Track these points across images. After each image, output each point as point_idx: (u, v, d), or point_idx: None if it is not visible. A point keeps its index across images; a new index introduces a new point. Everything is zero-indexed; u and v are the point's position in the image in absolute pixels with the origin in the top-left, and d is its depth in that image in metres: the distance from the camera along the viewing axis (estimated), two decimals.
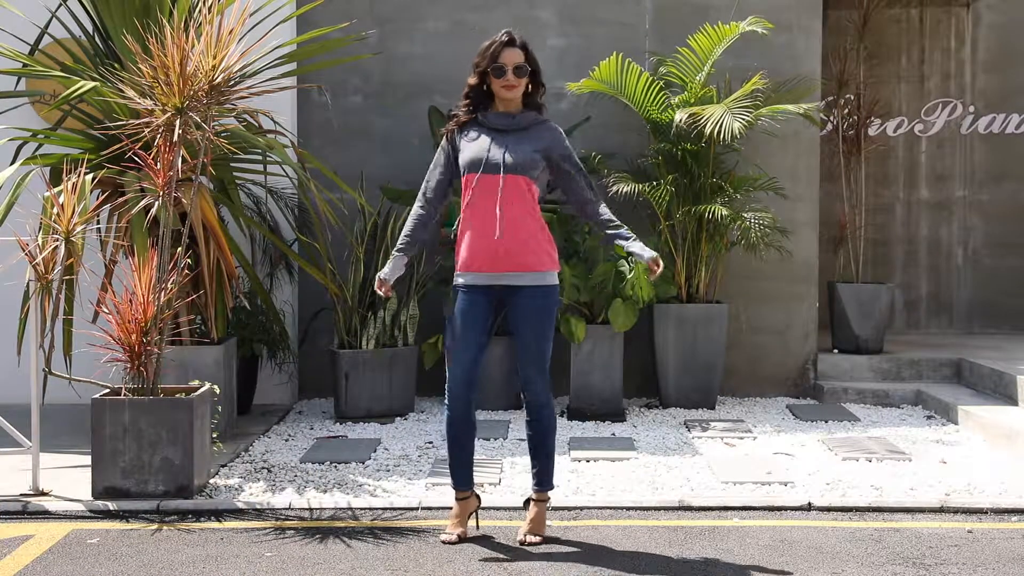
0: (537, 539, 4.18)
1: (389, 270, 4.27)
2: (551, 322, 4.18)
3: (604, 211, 4.29)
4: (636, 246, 4.23)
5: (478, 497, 4.37)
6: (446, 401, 4.19)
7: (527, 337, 4.15)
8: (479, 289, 4.14)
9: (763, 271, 7.35)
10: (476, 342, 4.15)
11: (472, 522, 4.34)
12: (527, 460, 5.46)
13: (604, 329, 6.64)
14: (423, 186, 4.30)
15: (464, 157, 4.17)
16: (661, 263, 4.20)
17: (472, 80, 4.20)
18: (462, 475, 4.28)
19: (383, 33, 7.35)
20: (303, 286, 7.30)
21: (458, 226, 4.19)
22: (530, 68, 4.16)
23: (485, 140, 4.15)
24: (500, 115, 4.19)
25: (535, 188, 4.17)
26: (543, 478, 4.30)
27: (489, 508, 4.61)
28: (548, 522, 4.45)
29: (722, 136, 6.40)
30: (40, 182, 5.45)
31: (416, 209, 4.31)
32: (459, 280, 4.19)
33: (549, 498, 4.34)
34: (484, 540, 4.24)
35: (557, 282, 4.20)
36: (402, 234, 4.32)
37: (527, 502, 4.34)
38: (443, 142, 4.27)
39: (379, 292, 4.23)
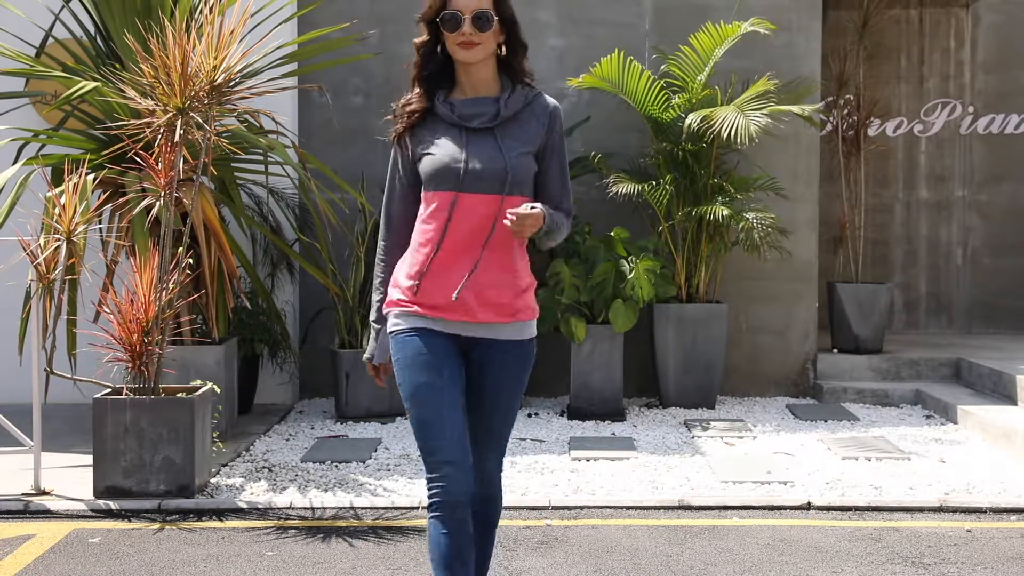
0: None
1: (379, 349, 2.98)
2: (524, 384, 2.96)
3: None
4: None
5: None
6: (434, 512, 2.75)
7: (496, 402, 2.91)
8: (444, 335, 2.85)
9: (763, 271, 7.36)
10: (460, 408, 2.84)
11: None
12: (527, 459, 5.51)
13: (604, 329, 6.64)
14: (384, 215, 3.02)
15: (425, 167, 2.86)
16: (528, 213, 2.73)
17: (420, 39, 2.87)
18: None
19: (384, 33, 7.36)
20: (304, 286, 7.31)
21: (417, 250, 2.87)
22: (498, 17, 2.81)
23: (454, 141, 2.84)
24: (472, 103, 2.86)
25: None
26: None
27: None
28: (548, 521, 4.46)
29: (737, 139, 6.38)
30: (42, 182, 5.47)
31: (386, 248, 2.99)
32: (415, 323, 2.84)
33: None
34: None
35: (536, 333, 2.96)
36: (376, 295, 2.99)
37: None
38: (394, 149, 3.00)
39: (377, 381, 3.04)
